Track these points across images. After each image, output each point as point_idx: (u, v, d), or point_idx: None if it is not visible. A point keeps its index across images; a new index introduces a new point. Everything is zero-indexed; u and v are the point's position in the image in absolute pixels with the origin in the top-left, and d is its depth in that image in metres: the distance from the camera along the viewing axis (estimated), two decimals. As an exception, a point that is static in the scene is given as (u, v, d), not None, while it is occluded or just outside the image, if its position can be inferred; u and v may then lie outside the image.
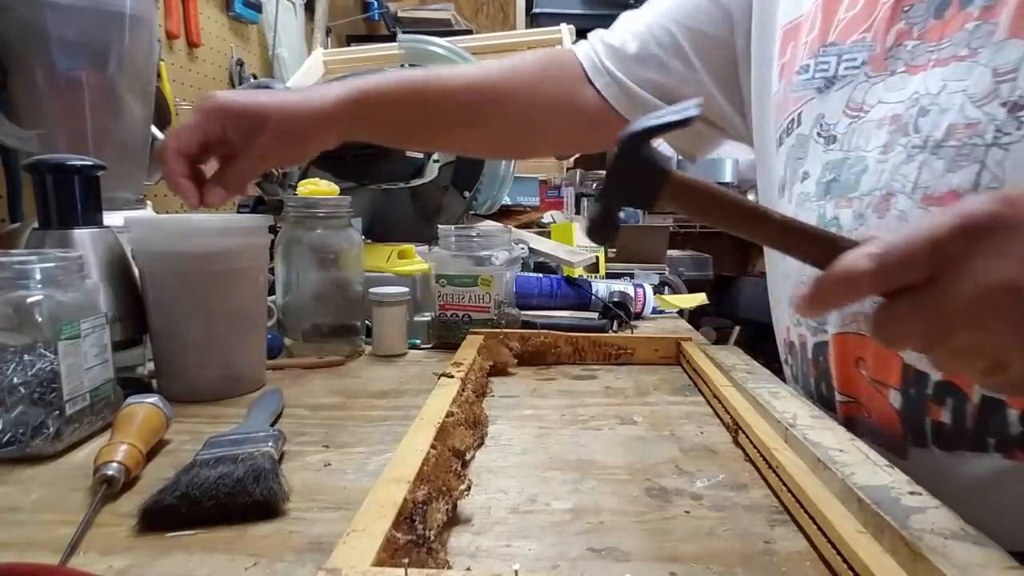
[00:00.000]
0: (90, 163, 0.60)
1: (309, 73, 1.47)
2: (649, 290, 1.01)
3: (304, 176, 1.03)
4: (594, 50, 0.74)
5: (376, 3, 2.60)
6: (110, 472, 0.41)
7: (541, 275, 1.05)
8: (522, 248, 0.95)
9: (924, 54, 0.50)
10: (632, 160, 0.39)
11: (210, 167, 0.62)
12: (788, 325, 0.62)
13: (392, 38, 1.94)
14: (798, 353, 0.60)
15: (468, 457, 0.47)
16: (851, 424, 0.53)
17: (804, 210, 0.56)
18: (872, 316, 0.33)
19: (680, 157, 0.82)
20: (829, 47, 0.56)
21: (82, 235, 0.59)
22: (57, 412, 0.47)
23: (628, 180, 0.40)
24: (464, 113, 0.73)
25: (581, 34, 1.73)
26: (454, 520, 0.38)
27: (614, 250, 1.51)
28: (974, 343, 0.32)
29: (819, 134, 0.56)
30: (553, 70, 0.76)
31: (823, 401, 0.56)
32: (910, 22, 0.52)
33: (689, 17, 0.70)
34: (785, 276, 0.61)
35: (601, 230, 0.43)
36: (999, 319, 0.31)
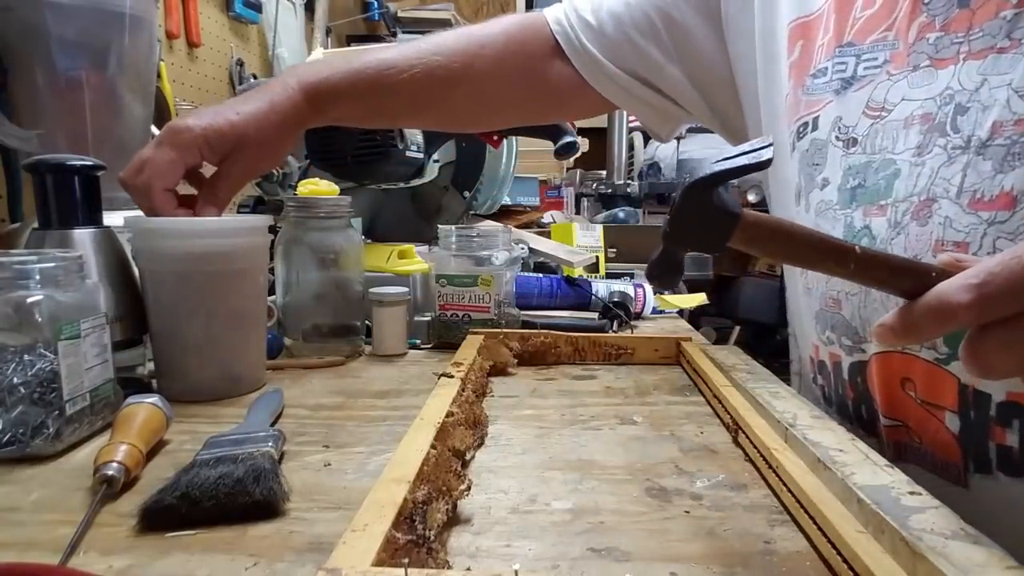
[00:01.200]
0: (90, 163, 0.60)
1: (309, 73, 1.47)
2: (649, 290, 1.01)
3: (304, 176, 1.03)
4: (569, 23, 0.73)
5: (376, 3, 2.60)
6: (110, 472, 0.41)
7: (541, 275, 1.05)
8: (522, 248, 0.95)
9: (950, 46, 0.47)
10: (701, 206, 0.37)
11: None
12: (816, 343, 0.57)
13: (392, 38, 1.94)
14: (830, 373, 0.56)
15: (468, 457, 0.47)
16: (899, 450, 0.50)
17: (826, 219, 0.54)
18: (965, 345, 0.32)
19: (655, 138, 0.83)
20: (846, 47, 0.54)
21: (82, 235, 0.59)
22: (57, 412, 0.47)
23: (696, 225, 0.38)
24: (422, 99, 0.73)
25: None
26: (454, 520, 0.38)
27: (614, 250, 1.51)
28: None
29: (837, 137, 0.53)
30: (518, 41, 0.74)
31: (863, 425, 0.53)
32: (931, 14, 0.48)
33: (669, 5, 0.69)
34: (807, 290, 0.57)
35: (663, 275, 0.41)
36: None
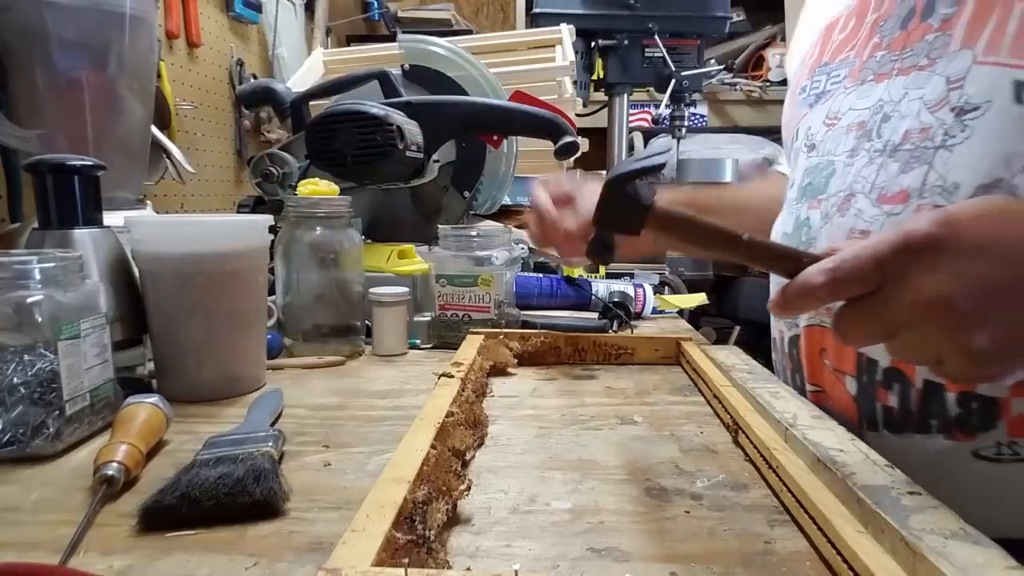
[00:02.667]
0: (90, 163, 0.60)
1: (309, 73, 1.47)
2: (649, 290, 1.01)
3: (304, 176, 1.03)
4: None
5: (376, 3, 2.60)
6: (110, 472, 0.41)
7: (541, 275, 1.05)
8: (522, 248, 0.95)
9: (889, 63, 0.55)
10: (617, 198, 0.45)
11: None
12: (775, 322, 0.66)
13: (392, 38, 1.94)
14: (779, 347, 0.65)
15: (468, 457, 0.47)
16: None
17: (787, 213, 0.63)
18: (832, 317, 0.39)
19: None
20: (823, 67, 0.62)
21: (82, 235, 0.59)
22: (57, 412, 0.47)
23: (616, 213, 0.46)
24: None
25: (581, 34, 1.71)
26: (454, 520, 0.38)
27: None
28: (915, 342, 0.37)
29: (805, 144, 0.62)
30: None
31: (798, 391, 0.58)
32: (882, 35, 0.56)
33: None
34: (776, 279, 0.63)
35: (599, 254, 0.50)
36: (932, 325, 0.36)
